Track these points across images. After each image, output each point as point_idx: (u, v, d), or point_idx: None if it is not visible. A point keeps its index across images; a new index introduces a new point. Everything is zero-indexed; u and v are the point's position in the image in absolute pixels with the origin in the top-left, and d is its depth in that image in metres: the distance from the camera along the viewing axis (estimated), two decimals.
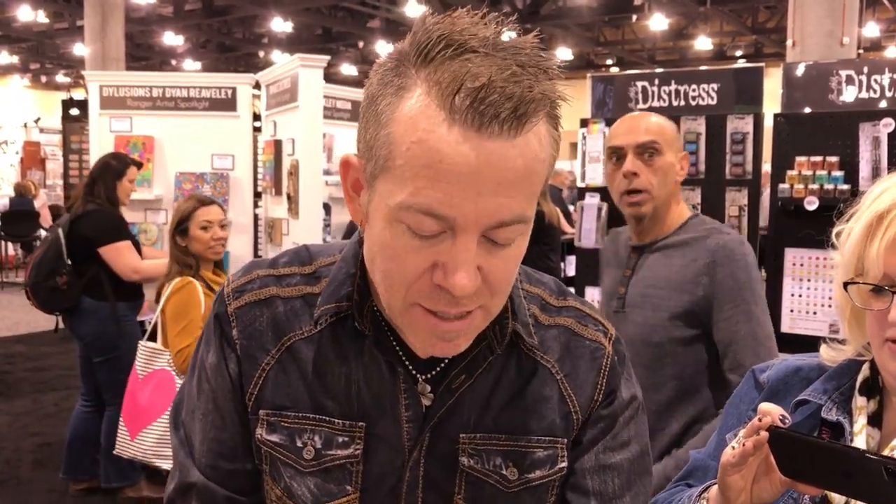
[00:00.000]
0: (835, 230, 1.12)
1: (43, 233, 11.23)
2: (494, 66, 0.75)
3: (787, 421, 0.98)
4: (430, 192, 0.76)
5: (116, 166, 4.11)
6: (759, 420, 0.97)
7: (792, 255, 2.96)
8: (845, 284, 1.07)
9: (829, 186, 2.87)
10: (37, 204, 12.37)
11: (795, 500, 1.07)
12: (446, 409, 0.94)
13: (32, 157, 16.16)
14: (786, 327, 2.98)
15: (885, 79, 2.96)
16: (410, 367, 0.94)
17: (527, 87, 0.75)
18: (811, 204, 2.90)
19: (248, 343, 0.95)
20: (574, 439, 0.98)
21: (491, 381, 0.95)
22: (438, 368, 0.94)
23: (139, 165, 4.37)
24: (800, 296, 2.95)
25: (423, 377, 0.94)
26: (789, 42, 8.50)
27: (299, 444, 0.94)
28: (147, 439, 3.29)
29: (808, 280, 2.94)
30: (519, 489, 0.96)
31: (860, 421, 1.07)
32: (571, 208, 7.64)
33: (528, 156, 0.77)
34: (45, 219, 12.15)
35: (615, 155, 2.00)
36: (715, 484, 1.07)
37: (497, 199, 0.77)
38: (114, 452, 3.47)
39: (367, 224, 0.85)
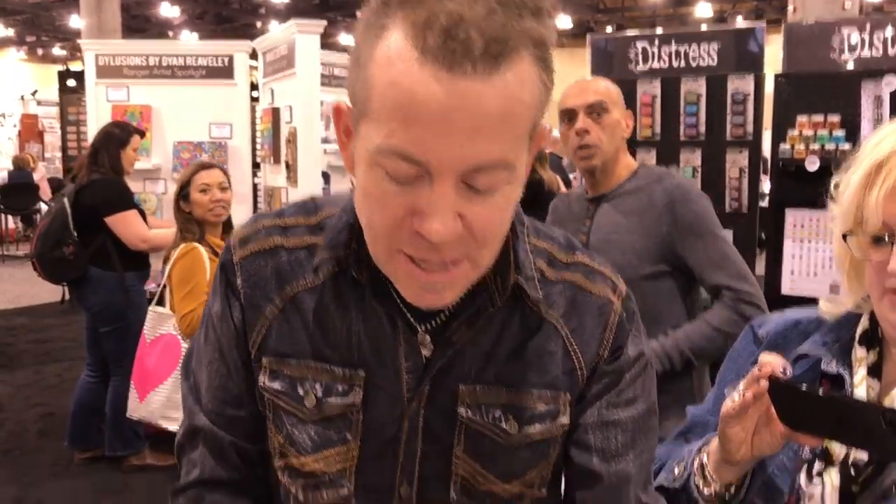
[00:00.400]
0: (833, 181, 1.10)
1: (43, 205, 11.21)
2: (473, 3, 0.72)
3: (788, 371, 0.98)
4: (403, 134, 0.74)
5: (119, 135, 4.08)
6: (759, 370, 0.97)
7: (792, 217, 2.94)
8: (844, 236, 1.06)
9: (831, 146, 2.84)
10: (36, 177, 12.34)
11: (795, 451, 1.07)
12: (446, 361, 0.93)
13: (30, 130, 16.10)
14: (786, 289, 2.97)
15: (889, 33, 2.92)
16: (410, 318, 0.93)
17: (502, 24, 0.72)
18: (812, 164, 2.88)
19: (252, 292, 0.96)
20: (579, 395, 0.97)
21: (493, 335, 0.94)
22: (439, 320, 0.93)
23: (142, 134, 4.35)
24: (800, 257, 2.94)
25: (424, 328, 0.93)
26: (790, 7, 8.41)
27: (301, 392, 0.94)
28: (154, 401, 3.34)
29: (809, 241, 2.92)
30: (519, 443, 0.95)
31: (860, 372, 1.07)
32: (572, 176, 7.61)
33: (507, 96, 0.74)
34: (45, 191, 12.12)
35: (567, 116, 2.18)
36: (714, 437, 1.07)
37: (472, 142, 0.74)
38: (126, 415, 3.52)
39: (355, 171, 0.84)
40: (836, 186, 1.09)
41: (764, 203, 3.36)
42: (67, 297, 4.48)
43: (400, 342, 0.93)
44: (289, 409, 0.96)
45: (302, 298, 0.95)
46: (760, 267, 3.09)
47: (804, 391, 0.93)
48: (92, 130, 4.78)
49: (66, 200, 3.97)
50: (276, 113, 4.92)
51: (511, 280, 0.92)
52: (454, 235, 0.77)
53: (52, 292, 8.31)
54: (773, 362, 0.97)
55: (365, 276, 0.92)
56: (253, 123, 5.78)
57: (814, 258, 2.92)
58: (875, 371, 1.07)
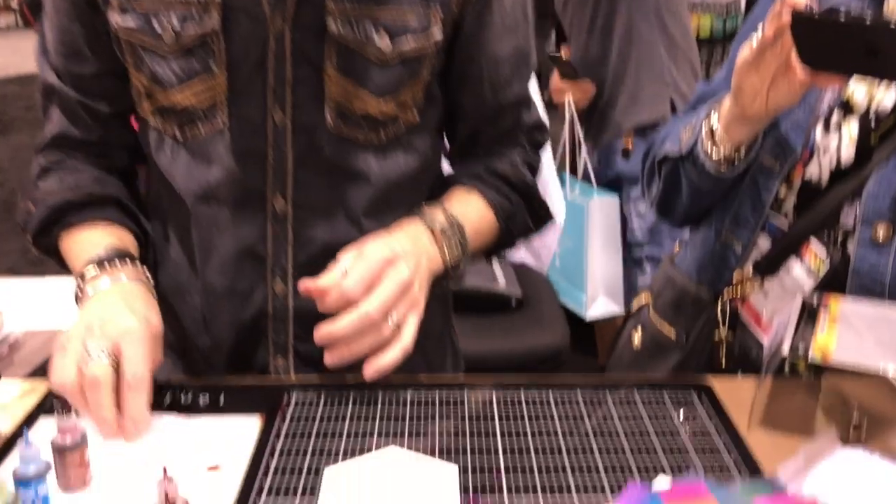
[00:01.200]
0: None
1: None
2: None
3: (813, 9, 0.89)
4: None
5: None
6: (782, 4, 0.88)
7: None
8: None
9: None
10: None
11: (812, 107, 1.01)
12: None
13: None
14: None
15: None
16: None
17: None
18: None
19: None
20: (456, 20, 0.96)
21: None
22: None
23: None
24: None
25: None
26: None
27: (156, 25, 0.91)
28: None
29: None
30: (391, 60, 0.93)
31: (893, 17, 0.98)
32: None
33: None
34: None
35: None
36: (726, 96, 1.00)
37: None
38: None
39: None
40: None
41: None
42: None
43: None
44: (147, 46, 0.92)
45: None
46: None
47: (828, 21, 0.84)
48: None
49: None
50: None
51: None
52: None
53: None
54: None
55: None
56: None
57: None
58: None
